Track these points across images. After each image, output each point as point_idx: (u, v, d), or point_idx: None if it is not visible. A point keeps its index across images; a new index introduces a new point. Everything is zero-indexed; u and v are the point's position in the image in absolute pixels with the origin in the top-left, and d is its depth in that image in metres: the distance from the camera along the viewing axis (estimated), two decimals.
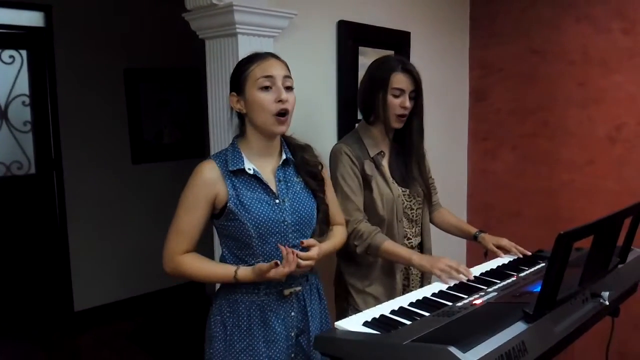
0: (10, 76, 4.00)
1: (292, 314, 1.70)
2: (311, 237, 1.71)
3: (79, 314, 4.26)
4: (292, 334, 1.70)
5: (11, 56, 3.99)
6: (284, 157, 1.72)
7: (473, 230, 2.20)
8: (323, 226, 1.79)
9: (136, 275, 4.52)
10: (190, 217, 1.62)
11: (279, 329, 1.67)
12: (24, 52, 4.03)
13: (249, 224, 1.60)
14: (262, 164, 1.68)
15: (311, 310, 1.74)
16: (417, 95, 2.02)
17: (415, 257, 1.90)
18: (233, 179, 1.63)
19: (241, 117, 1.70)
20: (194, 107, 4.78)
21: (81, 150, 4.20)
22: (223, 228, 1.67)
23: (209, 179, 1.61)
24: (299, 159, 1.75)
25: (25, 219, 4.13)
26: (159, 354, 3.80)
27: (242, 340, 1.65)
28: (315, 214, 1.74)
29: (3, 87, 3.98)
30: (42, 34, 4.04)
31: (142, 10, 4.36)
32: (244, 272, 1.60)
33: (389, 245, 1.93)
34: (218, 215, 1.64)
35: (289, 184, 1.70)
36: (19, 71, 4.03)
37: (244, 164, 1.64)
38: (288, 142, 1.78)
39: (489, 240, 2.11)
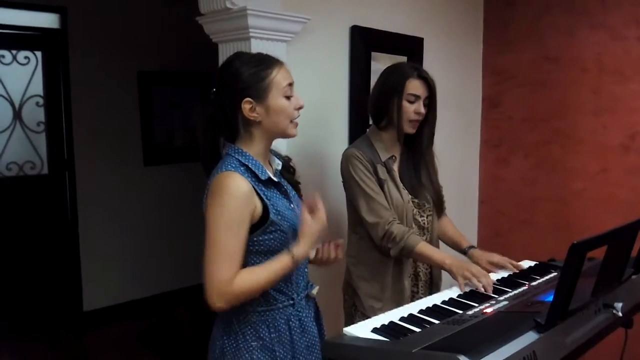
0: (25, 77, 4.04)
1: (312, 315, 1.71)
2: None
3: (87, 314, 4.28)
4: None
5: (26, 57, 4.03)
6: (279, 162, 1.68)
7: (465, 244, 2.15)
8: None
9: (145, 277, 4.53)
10: (237, 238, 1.47)
11: (314, 331, 1.68)
12: (39, 54, 4.07)
13: (289, 233, 1.55)
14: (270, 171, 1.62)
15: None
16: (430, 102, 2.02)
17: (448, 261, 1.88)
18: (263, 189, 1.53)
19: (242, 125, 1.58)
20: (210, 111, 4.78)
21: (93, 151, 4.22)
22: (259, 244, 1.53)
23: (246, 192, 1.48)
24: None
25: (36, 218, 4.16)
26: (167, 356, 3.81)
27: (286, 355, 1.60)
28: None
29: (18, 87, 4.01)
30: (57, 36, 4.07)
31: (156, 13, 4.39)
32: (296, 248, 1.52)
33: (422, 248, 1.93)
34: (252, 230, 1.52)
35: (288, 188, 1.68)
36: (34, 72, 4.07)
37: (267, 172, 1.57)
38: None
39: (480, 257, 2.02)
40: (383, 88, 2.05)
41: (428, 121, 2.04)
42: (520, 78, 3.18)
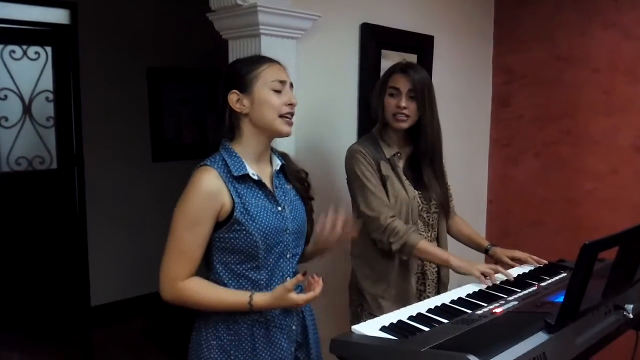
0: (35, 72, 4.05)
1: (293, 327, 1.62)
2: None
3: (95, 309, 4.30)
4: (292, 349, 1.62)
5: (36, 52, 4.05)
6: (279, 163, 1.65)
7: (485, 243, 2.16)
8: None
9: (153, 272, 4.40)
10: (194, 235, 1.47)
11: (285, 346, 1.58)
12: (49, 49, 4.08)
13: (256, 234, 1.49)
14: (259, 170, 1.58)
15: (309, 322, 1.69)
16: (417, 97, 1.97)
17: (453, 258, 1.89)
18: (236, 186, 1.51)
19: (233, 120, 1.59)
20: (215, 107, 4.79)
21: (102, 146, 4.24)
22: (223, 241, 1.51)
23: (213, 190, 1.47)
24: (286, 165, 1.68)
25: (45, 213, 4.18)
26: (173, 352, 3.81)
27: None
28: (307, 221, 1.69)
29: (28, 82, 4.03)
30: (67, 31, 4.09)
31: (166, 9, 4.39)
32: (261, 297, 1.46)
33: (425, 244, 1.92)
34: (218, 226, 1.50)
35: (284, 191, 1.64)
36: (44, 67, 4.08)
37: (246, 169, 1.53)
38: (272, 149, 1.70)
39: (501, 253, 2.06)
40: (376, 86, 2.10)
41: (423, 116, 1.99)
42: (531, 77, 3.16)
